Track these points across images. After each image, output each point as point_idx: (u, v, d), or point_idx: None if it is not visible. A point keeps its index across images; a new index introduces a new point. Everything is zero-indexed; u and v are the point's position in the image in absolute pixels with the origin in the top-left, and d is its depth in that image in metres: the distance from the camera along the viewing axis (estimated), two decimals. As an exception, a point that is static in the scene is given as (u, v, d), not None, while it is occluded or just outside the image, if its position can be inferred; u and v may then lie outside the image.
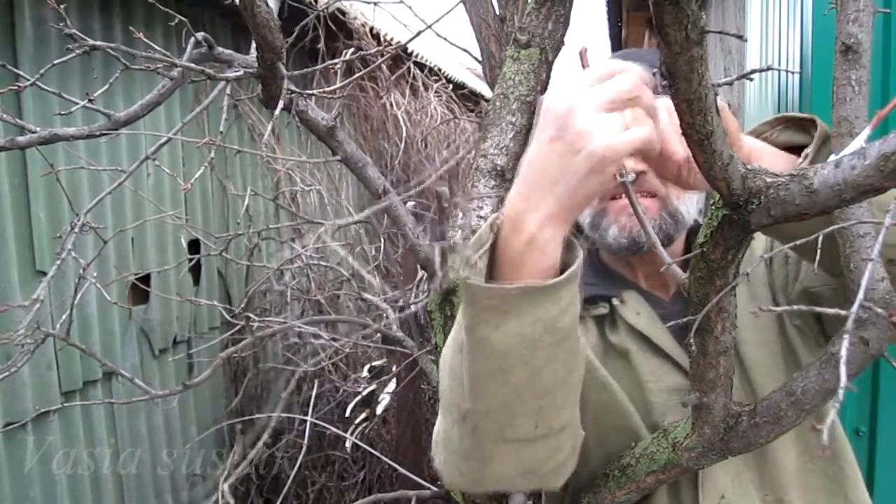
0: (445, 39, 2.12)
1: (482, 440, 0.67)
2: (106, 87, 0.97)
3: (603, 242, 0.90)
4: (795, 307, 0.47)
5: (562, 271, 0.61)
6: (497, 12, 2.29)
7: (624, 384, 0.87)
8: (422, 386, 2.89)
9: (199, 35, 0.94)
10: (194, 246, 2.92)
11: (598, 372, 0.86)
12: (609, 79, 0.58)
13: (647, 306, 0.92)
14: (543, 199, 0.59)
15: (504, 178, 0.99)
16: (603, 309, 0.92)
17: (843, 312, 0.45)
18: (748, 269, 0.60)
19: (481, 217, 1.02)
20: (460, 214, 0.95)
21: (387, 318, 2.13)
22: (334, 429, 2.39)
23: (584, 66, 0.63)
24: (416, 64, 4.39)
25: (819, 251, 0.50)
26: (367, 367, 3.08)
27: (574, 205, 0.59)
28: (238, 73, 0.95)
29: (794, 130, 0.80)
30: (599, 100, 0.57)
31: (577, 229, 0.96)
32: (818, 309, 0.52)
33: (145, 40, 0.92)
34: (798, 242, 0.52)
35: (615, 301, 0.92)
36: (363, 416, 2.93)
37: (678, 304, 0.92)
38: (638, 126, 0.57)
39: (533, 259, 0.60)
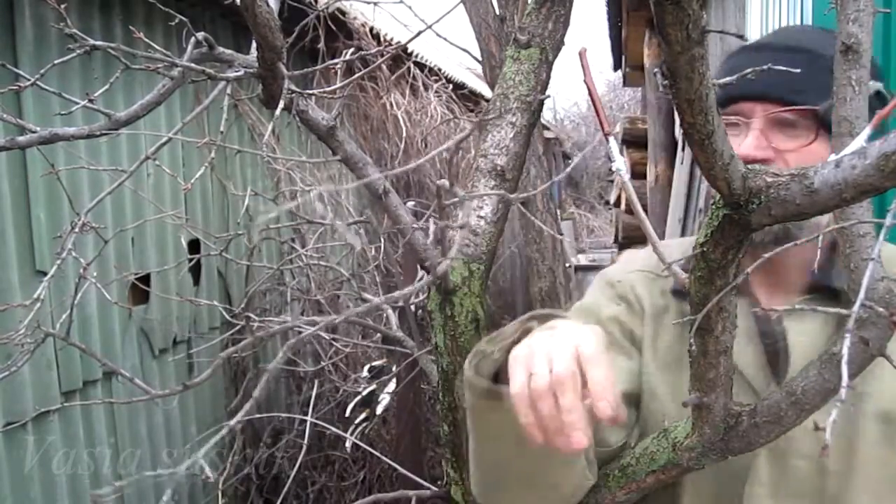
0: (445, 39, 2.11)
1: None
2: (106, 87, 0.96)
3: None
4: (796, 306, 0.47)
5: None
6: (497, 12, 2.30)
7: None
8: (422, 386, 2.89)
9: (200, 35, 0.94)
10: (194, 246, 2.92)
11: (650, 377, 0.89)
12: None
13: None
14: None
15: (504, 177, 0.98)
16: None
17: (844, 312, 0.45)
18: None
19: (481, 217, 1.02)
20: (460, 214, 0.95)
21: (386, 318, 2.13)
22: (334, 429, 2.39)
23: (583, 67, 0.63)
24: (416, 64, 4.39)
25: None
26: (367, 367, 3.08)
27: None
28: (238, 73, 0.94)
29: None
30: None
31: None
32: (819, 309, 0.52)
33: (145, 40, 0.92)
34: (796, 243, 0.52)
35: None
36: (363, 416, 2.93)
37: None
38: None
39: None
